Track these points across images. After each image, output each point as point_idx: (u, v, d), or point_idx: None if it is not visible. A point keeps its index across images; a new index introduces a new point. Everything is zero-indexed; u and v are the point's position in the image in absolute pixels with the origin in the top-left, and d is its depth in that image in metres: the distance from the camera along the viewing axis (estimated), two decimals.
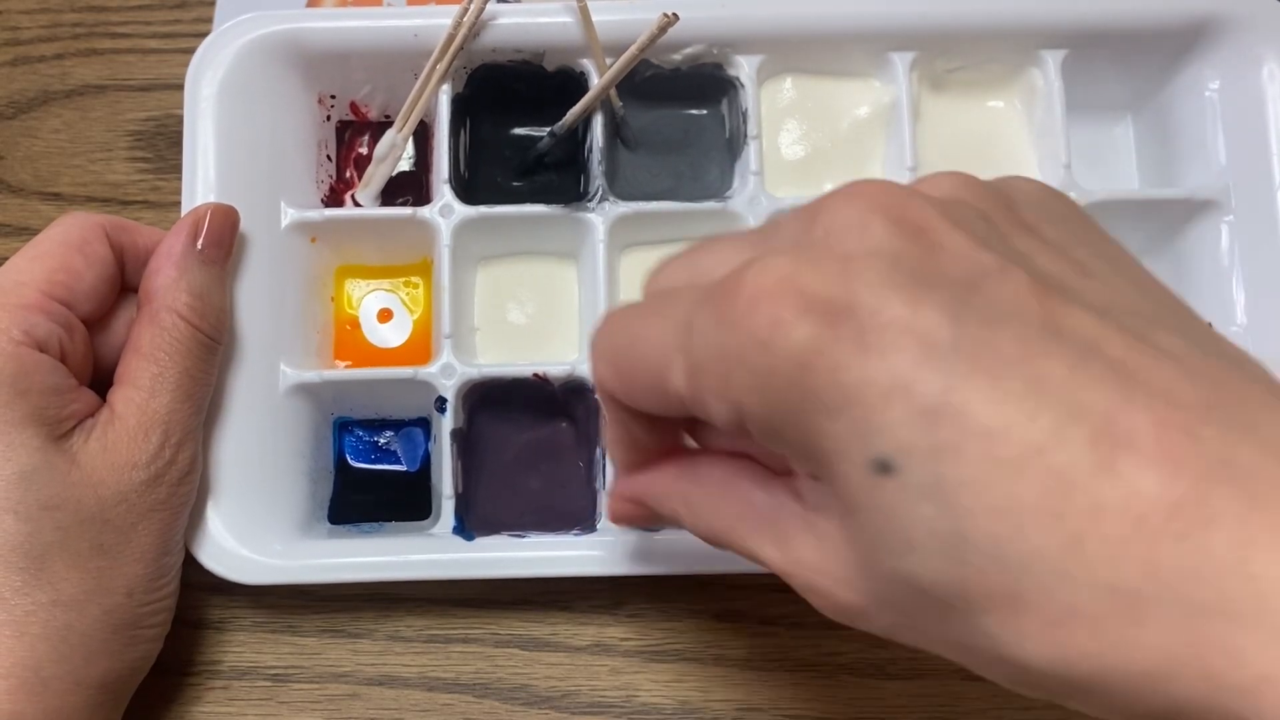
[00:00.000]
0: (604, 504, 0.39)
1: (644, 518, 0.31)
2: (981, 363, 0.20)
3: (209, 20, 0.47)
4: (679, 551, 0.38)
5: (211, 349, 0.37)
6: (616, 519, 0.32)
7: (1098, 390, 0.20)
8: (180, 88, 0.40)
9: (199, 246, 0.37)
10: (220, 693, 0.40)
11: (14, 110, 0.46)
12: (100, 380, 0.37)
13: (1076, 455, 0.19)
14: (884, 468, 0.21)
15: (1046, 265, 0.23)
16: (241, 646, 0.41)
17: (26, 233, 0.45)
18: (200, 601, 0.37)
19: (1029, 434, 0.20)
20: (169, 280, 0.36)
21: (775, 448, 0.24)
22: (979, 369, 0.20)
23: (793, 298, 0.22)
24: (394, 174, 0.43)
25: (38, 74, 0.47)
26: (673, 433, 0.30)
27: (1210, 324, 0.25)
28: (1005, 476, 0.20)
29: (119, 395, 0.35)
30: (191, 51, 0.40)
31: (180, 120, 0.40)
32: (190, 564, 0.37)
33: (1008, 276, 0.22)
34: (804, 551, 0.25)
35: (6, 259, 0.44)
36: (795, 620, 0.41)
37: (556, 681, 0.40)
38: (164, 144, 0.46)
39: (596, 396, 0.29)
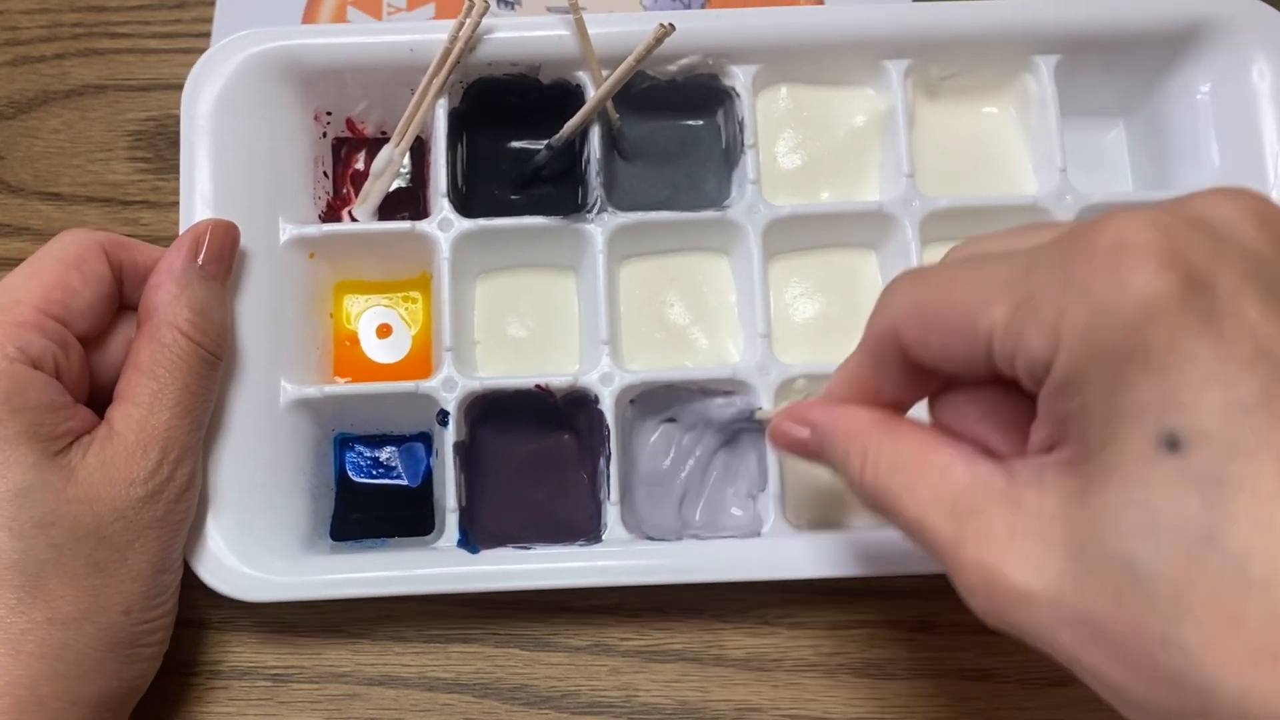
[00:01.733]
0: (609, 514, 0.39)
1: (807, 449, 0.31)
2: None
3: (209, 20, 0.47)
4: (683, 564, 0.38)
5: (212, 365, 0.36)
6: (776, 437, 0.32)
7: None
8: (180, 87, 0.40)
9: (199, 262, 0.37)
10: (220, 693, 0.40)
11: (14, 110, 0.46)
12: (98, 398, 0.36)
13: None
14: (1173, 444, 0.21)
15: None
16: (241, 646, 0.40)
17: (27, 233, 0.45)
18: (201, 602, 0.37)
19: None
20: (170, 296, 0.36)
21: (1058, 401, 0.24)
22: None
23: (1162, 251, 0.22)
24: (391, 189, 0.43)
25: (38, 74, 0.47)
26: (916, 391, 0.29)
27: None
28: None
29: (118, 412, 0.35)
30: (191, 51, 0.40)
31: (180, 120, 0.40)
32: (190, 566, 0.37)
33: None
34: (993, 525, 0.24)
35: (6, 258, 0.44)
36: (795, 621, 0.41)
37: (556, 681, 0.40)
38: (164, 144, 0.46)
39: (872, 335, 0.28)
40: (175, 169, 0.40)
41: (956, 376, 0.27)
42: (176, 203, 0.39)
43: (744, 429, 0.41)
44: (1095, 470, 0.22)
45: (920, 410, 0.29)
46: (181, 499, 0.35)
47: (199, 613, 0.40)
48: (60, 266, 0.35)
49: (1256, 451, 0.20)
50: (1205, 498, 0.20)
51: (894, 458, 0.27)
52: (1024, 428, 0.25)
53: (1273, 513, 0.20)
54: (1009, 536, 0.24)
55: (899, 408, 0.30)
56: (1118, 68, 0.43)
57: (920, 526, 0.26)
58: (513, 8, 0.48)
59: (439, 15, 0.48)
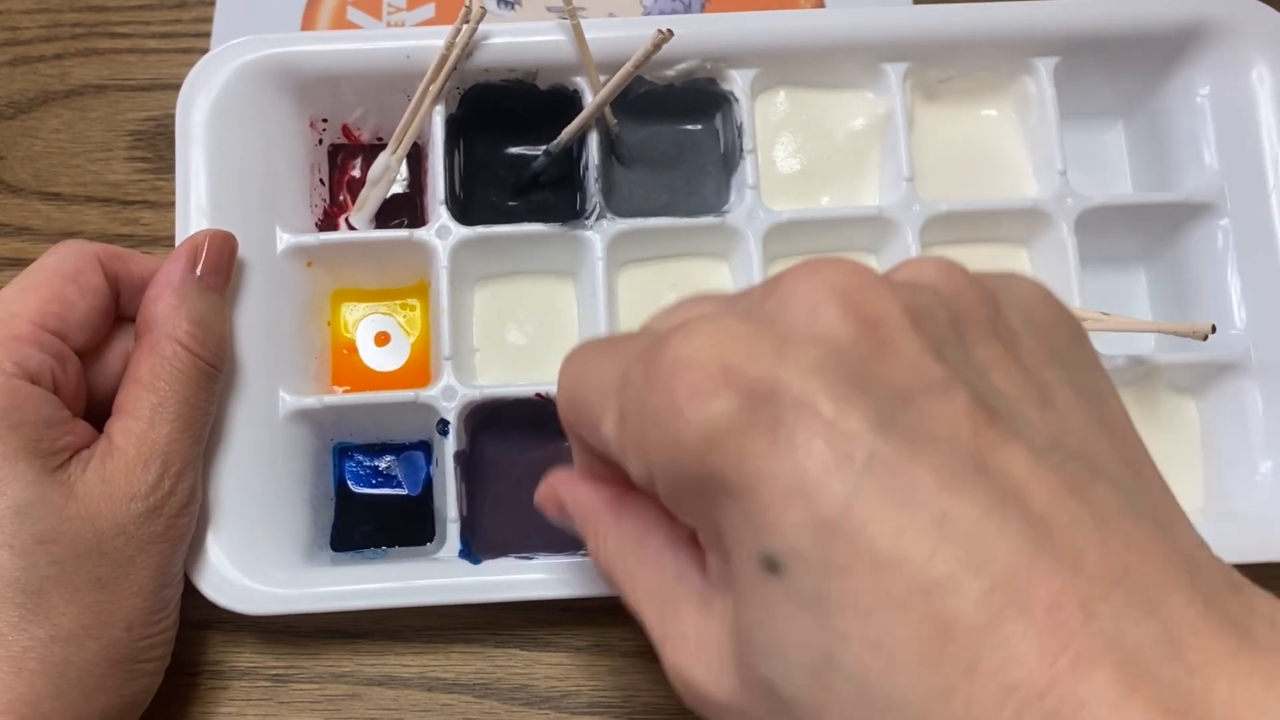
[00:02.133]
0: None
1: (558, 518, 0.31)
2: (893, 485, 0.19)
3: (209, 20, 0.47)
4: None
5: (212, 377, 0.36)
6: (538, 502, 0.32)
7: (1007, 543, 0.19)
8: (180, 87, 0.40)
9: (198, 274, 0.36)
10: (220, 693, 0.40)
11: (14, 110, 0.46)
12: (95, 411, 0.36)
13: (966, 607, 0.18)
14: (772, 566, 0.20)
15: (1003, 383, 0.22)
16: (242, 647, 0.40)
17: (27, 233, 0.45)
18: (201, 602, 0.36)
19: (923, 573, 0.19)
20: (169, 308, 0.36)
21: (680, 516, 0.24)
22: (888, 492, 0.19)
23: (715, 369, 0.21)
24: (388, 196, 0.43)
25: (38, 74, 0.47)
26: (619, 469, 0.29)
27: (1158, 471, 0.23)
28: (888, 611, 0.19)
29: (118, 426, 0.35)
30: (191, 51, 0.40)
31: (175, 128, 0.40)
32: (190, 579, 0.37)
33: (949, 395, 0.20)
34: (688, 627, 0.24)
35: (6, 258, 0.44)
36: None
37: (556, 681, 0.40)
38: (164, 144, 0.45)
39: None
40: (175, 170, 0.40)
41: None
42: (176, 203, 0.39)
43: None
44: (734, 583, 0.22)
45: None
46: (183, 513, 0.35)
47: (199, 613, 0.39)
48: (56, 279, 0.35)
49: (850, 566, 0.19)
50: (815, 618, 0.20)
51: (618, 543, 0.27)
52: None
53: (878, 629, 0.19)
54: (698, 645, 0.24)
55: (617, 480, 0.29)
56: (1117, 70, 0.43)
57: (639, 617, 0.26)
58: (512, 8, 0.47)
59: (438, 14, 0.47)
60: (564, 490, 0.30)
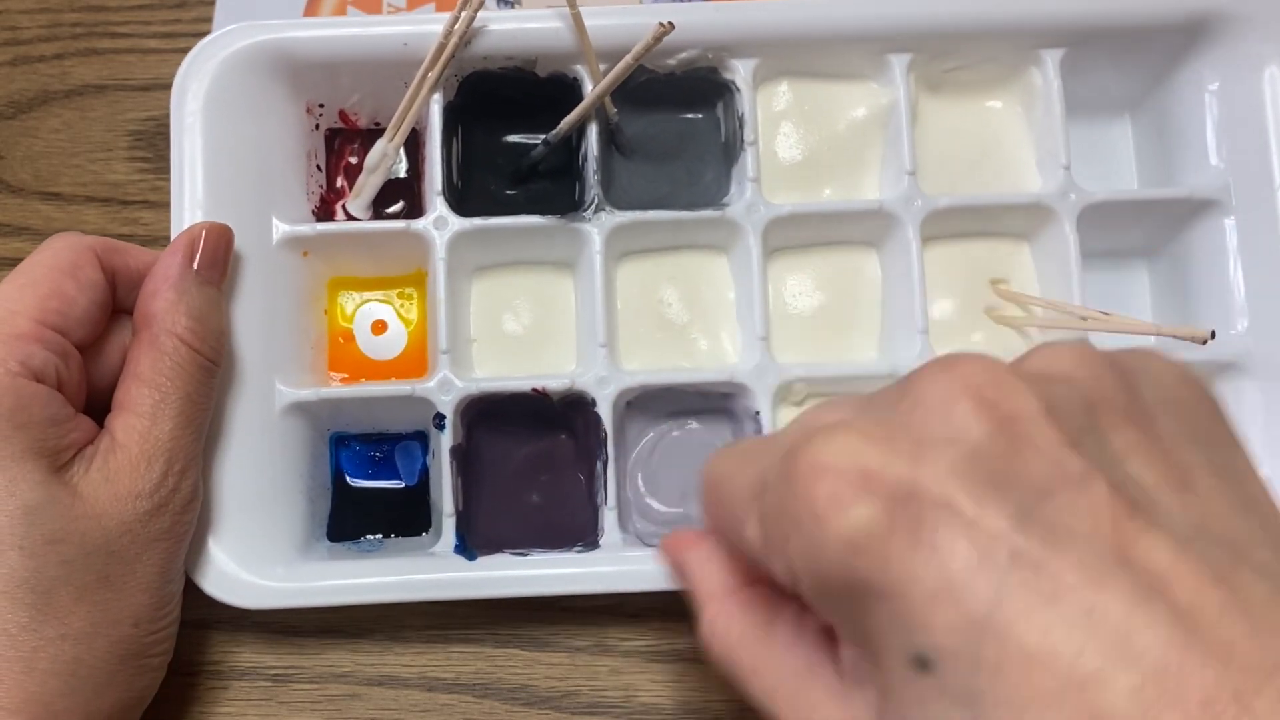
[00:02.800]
0: (606, 519, 0.39)
1: (677, 580, 0.30)
2: (1037, 582, 0.20)
3: (209, 20, 0.46)
4: None
5: (211, 372, 0.36)
6: (661, 554, 0.31)
7: (1154, 635, 0.19)
8: None
9: (195, 267, 0.36)
10: (220, 693, 0.40)
11: (14, 110, 0.46)
12: (94, 405, 0.36)
13: (1118, 701, 0.19)
14: (923, 664, 0.21)
15: (1141, 470, 0.22)
16: (241, 646, 0.41)
17: (27, 233, 0.44)
18: (201, 601, 0.37)
19: (1073, 668, 0.19)
20: (168, 303, 0.35)
21: (824, 616, 0.24)
22: (1033, 588, 0.20)
23: (854, 474, 0.21)
24: (385, 181, 0.42)
25: (38, 74, 0.46)
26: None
27: None
28: (1041, 706, 0.19)
29: (119, 423, 0.35)
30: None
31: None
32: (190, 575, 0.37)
33: (1087, 488, 0.21)
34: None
35: (6, 258, 0.44)
36: None
37: (556, 681, 0.40)
38: (164, 144, 0.44)
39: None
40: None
41: None
42: None
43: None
44: (880, 682, 0.22)
45: None
46: (186, 510, 0.35)
47: (199, 613, 0.40)
48: (54, 274, 0.35)
49: (1001, 663, 0.19)
50: (969, 713, 0.20)
51: (743, 631, 0.27)
52: None
53: None
54: None
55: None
56: (1125, 62, 0.43)
57: (767, 706, 0.26)
58: (512, 6, 0.47)
59: (439, 13, 0.46)
60: (691, 559, 0.30)
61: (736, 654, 0.27)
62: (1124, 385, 0.23)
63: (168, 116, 0.39)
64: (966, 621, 0.20)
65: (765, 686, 0.26)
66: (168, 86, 0.39)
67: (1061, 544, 0.20)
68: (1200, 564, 0.20)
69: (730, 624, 0.27)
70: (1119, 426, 0.22)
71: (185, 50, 0.40)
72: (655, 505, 0.42)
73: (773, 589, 0.27)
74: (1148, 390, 0.24)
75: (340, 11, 0.47)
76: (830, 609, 0.23)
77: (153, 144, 0.45)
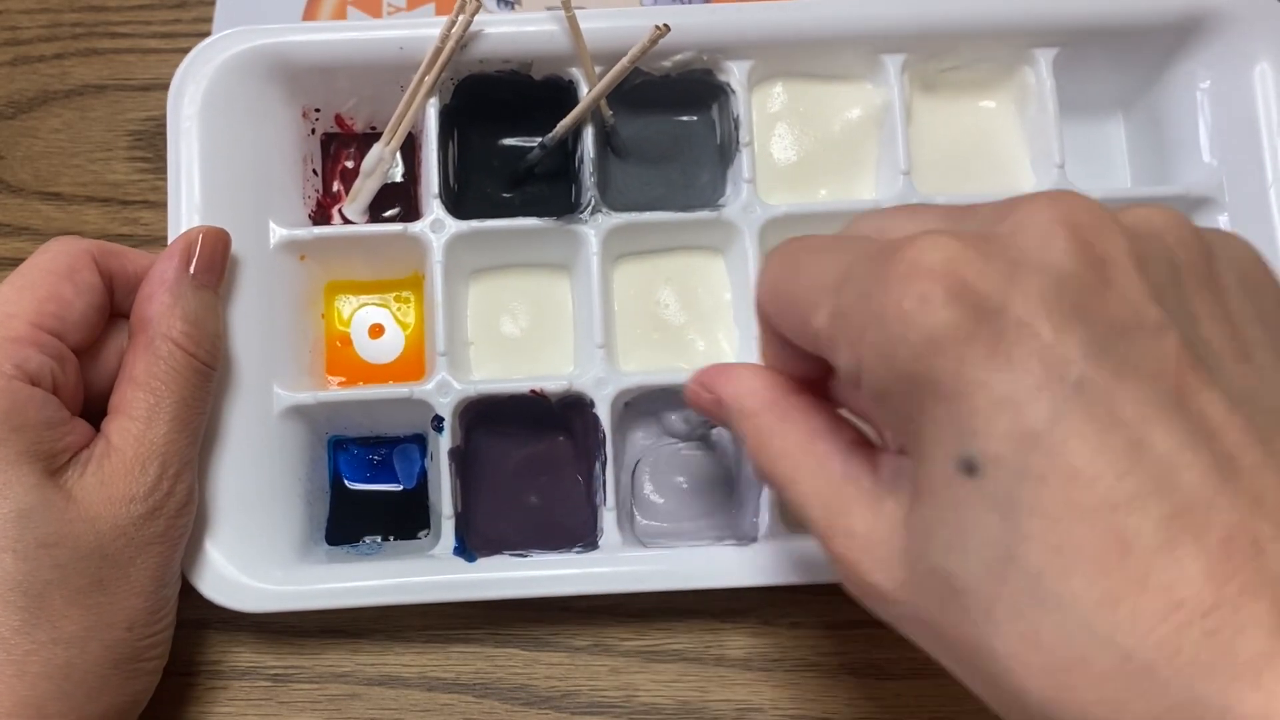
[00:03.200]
0: (605, 520, 0.39)
1: (713, 415, 0.32)
2: (1096, 409, 0.21)
3: (209, 20, 0.46)
4: (679, 570, 0.38)
5: (207, 376, 0.36)
6: (687, 396, 0.33)
7: (1193, 474, 0.21)
8: None
9: (191, 271, 0.36)
10: (220, 693, 0.40)
11: (14, 110, 0.46)
12: (91, 408, 0.36)
13: (1146, 526, 0.20)
14: (969, 468, 0.22)
15: (1210, 334, 0.23)
16: (241, 646, 0.41)
17: (27, 233, 0.44)
18: (200, 601, 0.37)
19: (1112, 490, 0.20)
20: (163, 307, 0.35)
21: (878, 414, 0.25)
22: (1091, 415, 0.21)
23: (948, 280, 0.22)
24: (381, 185, 0.42)
25: (38, 74, 0.46)
26: (812, 365, 0.29)
27: None
28: (1074, 520, 0.21)
29: (114, 426, 0.35)
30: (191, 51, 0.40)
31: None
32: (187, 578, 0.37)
33: (1161, 337, 0.22)
34: (856, 524, 0.26)
35: (6, 258, 0.44)
36: (795, 620, 0.41)
37: (556, 681, 0.40)
38: (164, 144, 0.44)
39: (756, 304, 0.29)
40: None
41: None
42: None
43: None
44: (919, 482, 0.24)
45: None
46: (181, 513, 0.35)
47: (199, 613, 0.40)
48: (51, 278, 0.35)
49: (1045, 476, 0.21)
50: (1003, 518, 0.21)
51: (781, 445, 0.29)
52: None
53: (1061, 535, 0.21)
54: (867, 540, 0.25)
55: (808, 376, 0.30)
56: (1118, 61, 0.43)
57: (802, 515, 0.28)
58: (511, 7, 0.47)
59: (438, 14, 0.47)
60: (723, 384, 0.31)
61: (777, 465, 0.28)
62: (1207, 256, 0.25)
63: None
64: (1022, 432, 0.21)
65: (801, 493, 0.27)
66: (168, 86, 0.39)
67: (1126, 380, 0.21)
68: (1248, 424, 0.22)
69: (771, 436, 0.29)
70: (1197, 292, 0.24)
71: (185, 50, 0.40)
72: (655, 502, 0.41)
73: (811, 401, 0.29)
74: (1226, 266, 0.25)
75: (340, 11, 0.47)
76: (886, 406, 0.24)
77: (153, 144, 0.45)
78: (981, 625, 0.22)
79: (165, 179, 0.39)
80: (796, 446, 0.28)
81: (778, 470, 0.28)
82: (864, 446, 0.28)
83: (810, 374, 0.30)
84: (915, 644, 0.25)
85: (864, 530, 0.25)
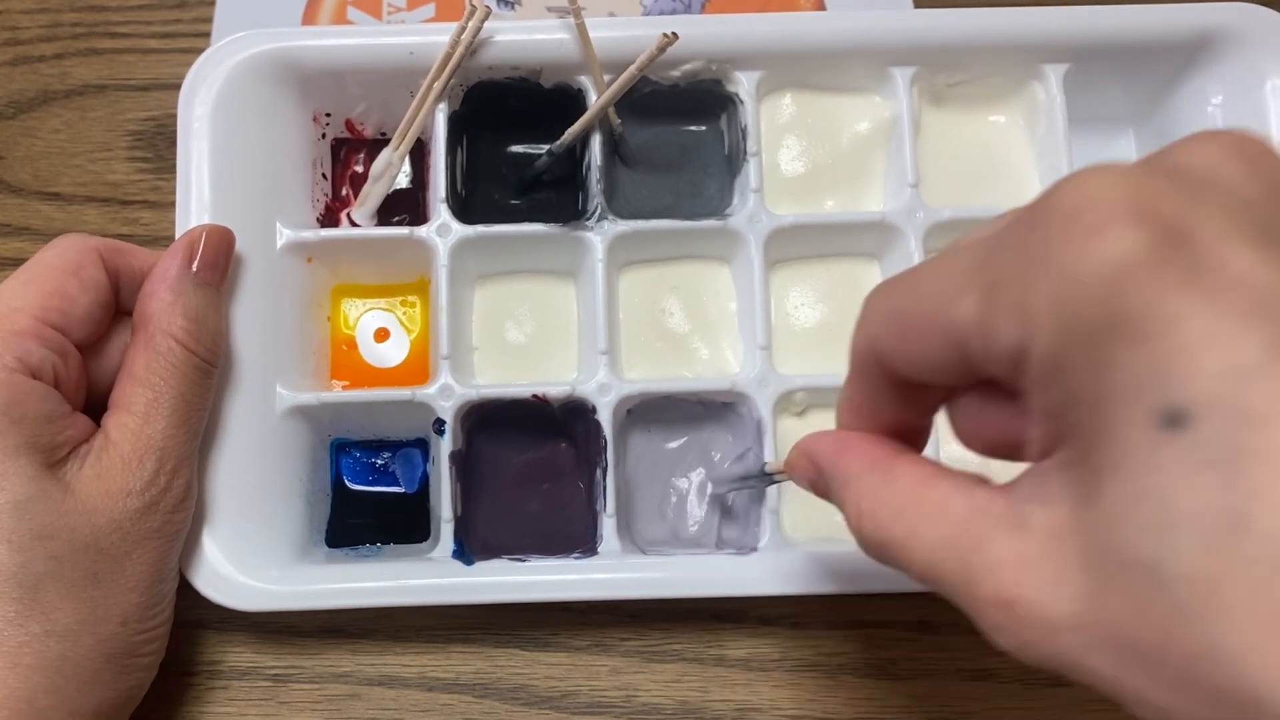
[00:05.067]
0: (605, 527, 0.39)
1: (814, 486, 0.29)
2: None
3: (209, 20, 0.47)
4: (678, 576, 0.38)
5: (207, 373, 0.36)
6: (789, 467, 0.30)
7: None
8: (180, 87, 0.40)
9: (194, 269, 0.36)
10: (220, 693, 0.40)
11: (14, 110, 0.46)
12: (94, 404, 0.36)
13: None
14: (1174, 420, 0.18)
15: None
16: (241, 646, 0.41)
17: (26, 233, 0.45)
18: (200, 602, 0.37)
19: None
20: (164, 304, 0.36)
21: (1044, 393, 0.21)
22: None
23: (1128, 205, 0.19)
24: (390, 191, 0.43)
25: (38, 74, 0.47)
26: (917, 409, 0.27)
27: None
28: None
29: (113, 421, 0.35)
30: (191, 51, 0.40)
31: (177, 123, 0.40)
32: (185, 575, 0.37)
33: None
34: (1002, 554, 0.22)
35: (6, 258, 0.44)
36: (795, 620, 0.41)
37: (556, 681, 0.40)
38: (164, 144, 0.45)
39: (855, 353, 0.26)
40: (175, 169, 0.40)
41: (948, 386, 0.25)
42: (176, 203, 0.39)
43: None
44: (1097, 466, 0.20)
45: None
46: (178, 509, 0.35)
47: (198, 613, 0.40)
48: (57, 274, 0.35)
49: (1271, 416, 0.17)
50: (1222, 477, 0.17)
51: (892, 504, 0.25)
52: None
53: None
54: (1019, 564, 0.21)
55: (906, 430, 0.28)
56: (1128, 77, 0.43)
57: (931, 574, 0.24)
58: (512, 7, 0.47)
59: (438, 15, 0.47)
60: (822, 452, 0.28)
61: (890, 527, 0.25)
62: None
63: (168, 117, 0.39)
64: (1237, 369, 0.18)
65: (926, 549, 0.24)
66: (168, 86, 0.40)
67: None
68: None
69: (877, 499, 0.25)
70: None
71: (185, 50, 0.40)
72: (653, 511, 0.41)
73: (914, 455, 0.26)
74: None
75: (340, 10, 0.47)
76: (1060, 372, 0.20)
77: (153, 144, 0.46)
78: (1205, 620, 0.17)
79: (165, 179, 0.40)
80: (911, 499, 0.25)
81: (894, 532, 0.25)
82: (985, 481, 0.24)
83: (909, 422, 0.27)
84: (1101, 691, 0.20)
85: (1012, 556, 0.21)
